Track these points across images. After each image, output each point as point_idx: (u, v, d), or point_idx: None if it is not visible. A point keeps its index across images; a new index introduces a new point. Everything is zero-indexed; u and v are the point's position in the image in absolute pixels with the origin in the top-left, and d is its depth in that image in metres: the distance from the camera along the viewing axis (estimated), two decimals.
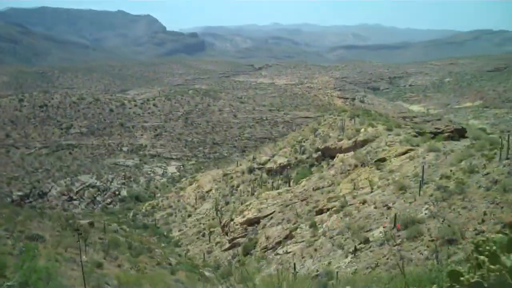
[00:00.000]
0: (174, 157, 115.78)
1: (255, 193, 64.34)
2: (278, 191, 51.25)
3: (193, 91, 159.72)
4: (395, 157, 42.56)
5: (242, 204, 59.23)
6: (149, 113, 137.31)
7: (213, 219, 61.08)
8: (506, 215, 23.40)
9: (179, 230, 63.15)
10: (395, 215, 28.59)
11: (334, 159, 57.64)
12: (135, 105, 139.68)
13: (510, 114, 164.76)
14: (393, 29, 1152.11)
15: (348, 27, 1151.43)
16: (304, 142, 71.10)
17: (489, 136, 45.87)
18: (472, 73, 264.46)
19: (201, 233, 56.75)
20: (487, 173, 29.30)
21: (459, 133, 43.92)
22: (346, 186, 41.24)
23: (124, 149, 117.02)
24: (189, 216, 67.45)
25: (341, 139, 60.56)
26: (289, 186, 59.22)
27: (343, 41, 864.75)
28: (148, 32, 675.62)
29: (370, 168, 42.11)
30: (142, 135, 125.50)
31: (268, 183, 66.22)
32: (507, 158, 30.03)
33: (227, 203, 65.85)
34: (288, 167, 66.96)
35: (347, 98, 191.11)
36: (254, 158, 75.91)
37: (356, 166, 46.81)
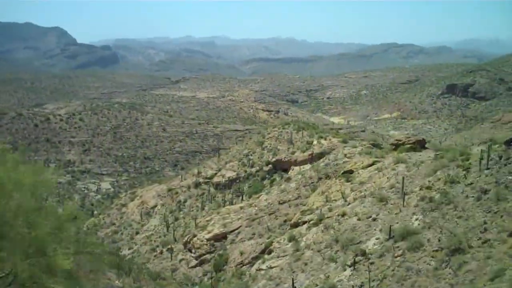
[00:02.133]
0: (104, 172, 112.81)
1: (206, 208, 63.79)
2: (240, 205, 50.82)
3: (119, 105, 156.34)
4: (362, 169, 43.18)
5: (193, 219, 58.48)
6: (75, 127, 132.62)
7: (164, 235, 59.73)
8: (509, 223, 23.90)
9: (129, 248, 61.29)
10: (390, 226, 28.88)
11: (289, 172, 58.08)
12: (61, 120, 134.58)
13: (427, 125, 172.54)
14: (304, 43, 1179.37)
15: (261, 40, 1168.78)
16: (251, 155, 71.12)
17: (456, 147, 47.25)
18: (387, 86, 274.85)
19: (156, 251, 55.22)
20: (471, 183, 29.67)
21: (420, 144, 45.16)
22: (317, 199, 41.47)
23: (52, 165, 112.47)
24: (137, 233, 65.58)
25: (294, 152, 61.13)
26: (242, 200, 59.09)
27: (256, 54, 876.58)
28: (59, 44, 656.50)
29: (340, 180, 42.53)
30: (69, 150, 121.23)
31: (218, 197, 65.70)
32: (487, 168, 30.56)
33: (176, 219, 64.63)
34: (238, 181, 66.80)
35: (271, 111, 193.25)
36: (199, 172, 74.95)
37: (320, 178, 47.25)
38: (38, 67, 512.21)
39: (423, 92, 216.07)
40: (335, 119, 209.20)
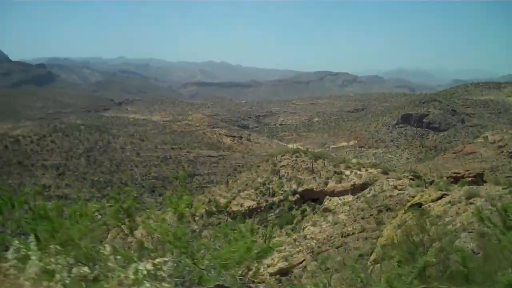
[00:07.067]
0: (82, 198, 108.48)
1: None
2: (293, 237, 49.83)
3: (85, 127, 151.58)
4: (431, 202, 43.16)
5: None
6: (47, 150, 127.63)
7: None
8: None
9: None
10: None
11: (325, 203, 57.66)
12: (32, 142, 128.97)
13: (388, 154, 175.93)
14: (238, 68, 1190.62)
15: (195, 63, 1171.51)
16: (268, 184, 70.16)
17: None
18: (336, 113, 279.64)
19: None
20: None
21: (480, 178, 45.89)
22: (396, 233, 41.02)
23: (27, 190, 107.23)
24: None
25: (327, 182, 60.79)
26: (272, 229, 58.11)
27: (192, 77, 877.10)
28: None
29: (413, 213, 42.33)
30: (43, 174, 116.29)
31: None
32: None
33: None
34: (259, 210, 65.69)
35: (235, 137, 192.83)
36: (210, 201, 73.31)
37: (380, 211, 46.91)
38: None
39: (378, 121, 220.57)
40: (293, 146, 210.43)
